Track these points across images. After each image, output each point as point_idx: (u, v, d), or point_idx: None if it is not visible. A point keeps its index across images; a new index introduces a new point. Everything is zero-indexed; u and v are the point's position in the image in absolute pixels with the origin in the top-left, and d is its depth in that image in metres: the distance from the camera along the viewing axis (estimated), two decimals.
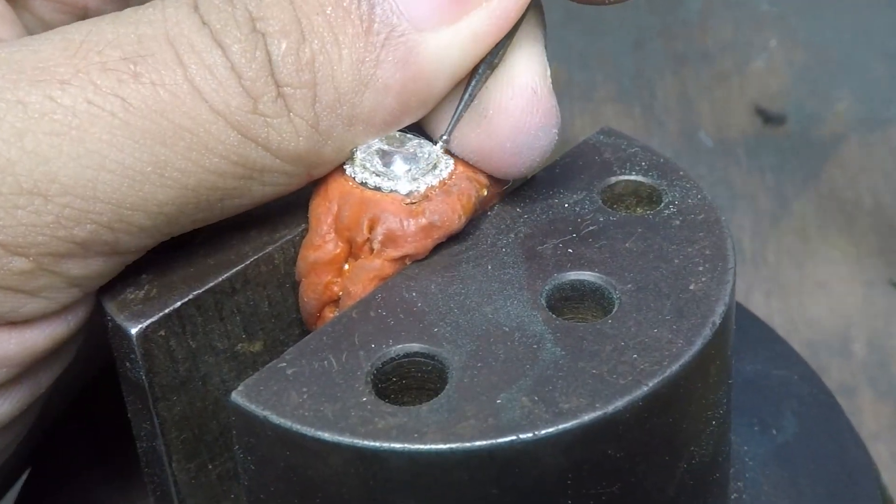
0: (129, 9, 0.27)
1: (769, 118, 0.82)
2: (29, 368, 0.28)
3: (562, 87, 0.85)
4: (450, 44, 0.27)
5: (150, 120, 0.25)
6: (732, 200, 0.77)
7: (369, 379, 0.25)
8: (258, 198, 0.27)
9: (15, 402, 0.28)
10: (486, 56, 0.28)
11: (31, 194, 0.25)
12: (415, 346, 0.25)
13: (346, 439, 0.23)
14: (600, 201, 0.29)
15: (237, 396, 0.24)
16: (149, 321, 0.27)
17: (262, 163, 0.26)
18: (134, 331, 0.26)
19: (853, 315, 0.70)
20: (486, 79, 0.28)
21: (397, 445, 0.23)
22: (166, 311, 0.27)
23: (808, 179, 0.78)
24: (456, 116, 0.28)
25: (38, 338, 0.27)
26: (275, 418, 0.24)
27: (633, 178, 0.30)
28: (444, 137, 0.28)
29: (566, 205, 0.29)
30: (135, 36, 0.26)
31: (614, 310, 0.26)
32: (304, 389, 0.24)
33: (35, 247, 0.25)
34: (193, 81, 0.25)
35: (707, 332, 0.25)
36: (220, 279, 0.28)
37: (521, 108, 0.28)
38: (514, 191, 0.30)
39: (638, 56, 0.88)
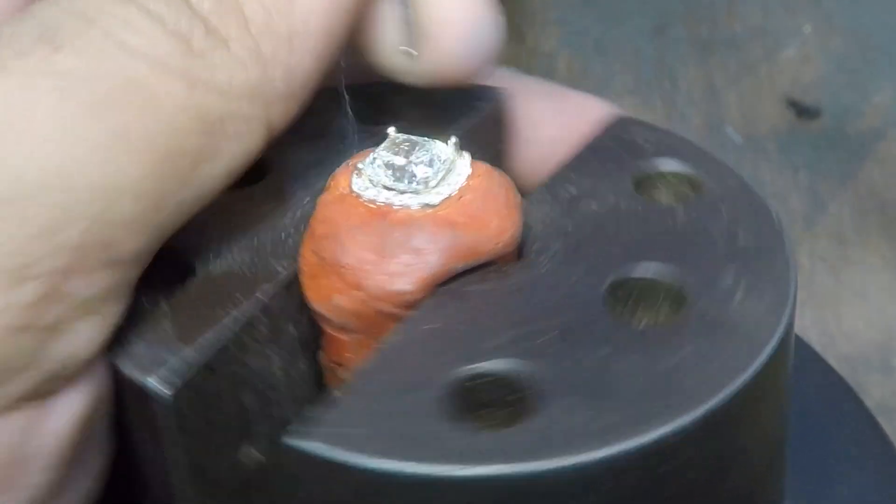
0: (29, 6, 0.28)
1: (802, 111, 0.83)
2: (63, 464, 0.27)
3: (576, 77, 0.87)
4: None
5: (90, 89, 0.25)
6: None
7: (441, 402, 0.24)
8: (228, 158, 0.27)
9: None
10: None
11: (5, 202, 0.25)
12: (486, 365, 0.25)
13: (425, 469, 0.23)
14: (637, 194, 0.31)
15: (295, 439, 0.23)
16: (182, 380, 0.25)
17: (218, 109, 0.27)
18: (168, 392, 0.24)
19: (895, 327, 0.70)
20: None
21: (484, 471, 0.23)
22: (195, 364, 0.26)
23: (845, 178, 0.78)
24: (411, 23, 0.29)
25: (64, 413, 0.26)
26: (344, 457, 0.23)
27: (668, 167, 0.31)
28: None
29: (603, 201, 0.30)
30: (38, 20, 0.26)
31: (685, 307, 0.27)
32: (370, 421, 0.24)
33: (37, 264, 0.25)
34: (119, 40, 0.26)
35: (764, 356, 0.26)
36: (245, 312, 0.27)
37: (458, 7, 0.29)
38: (543, 191, 0.31)
39: (659, 43, 0.89)
